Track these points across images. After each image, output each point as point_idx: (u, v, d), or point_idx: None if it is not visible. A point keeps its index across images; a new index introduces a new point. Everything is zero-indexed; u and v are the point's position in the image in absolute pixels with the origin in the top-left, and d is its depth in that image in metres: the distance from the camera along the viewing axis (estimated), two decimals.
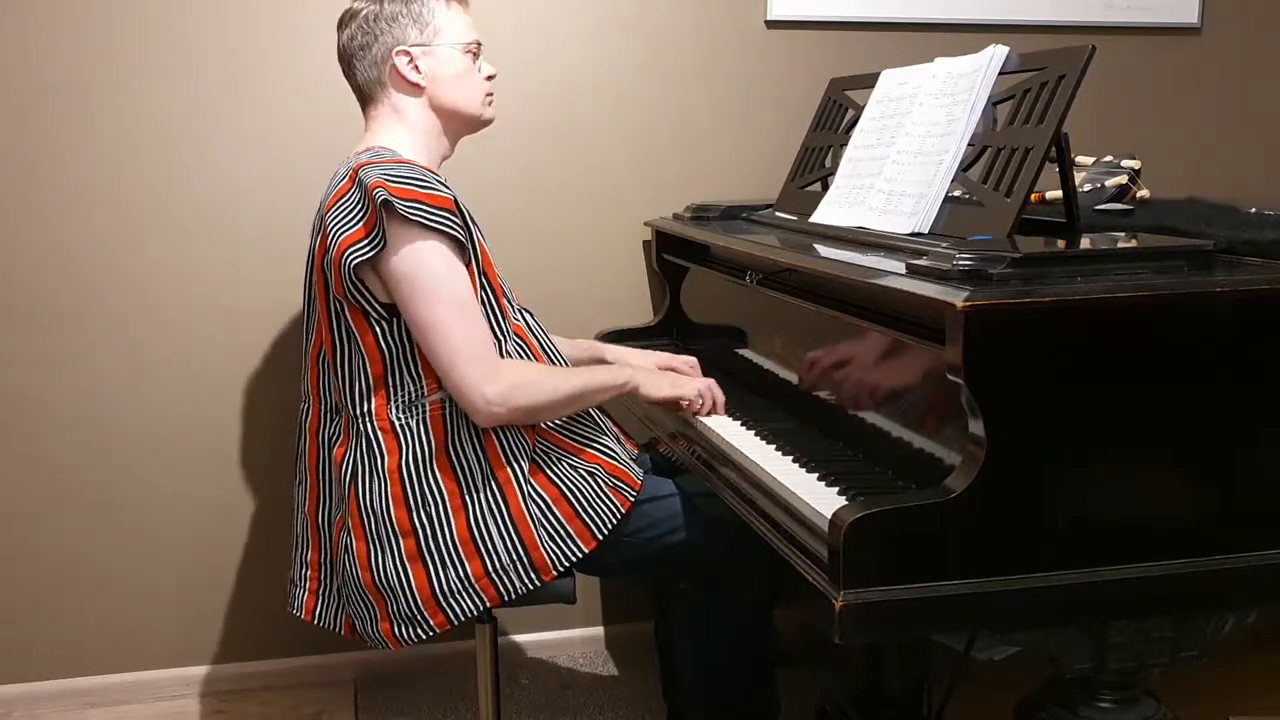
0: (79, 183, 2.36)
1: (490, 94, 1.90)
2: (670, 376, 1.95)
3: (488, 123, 1.91)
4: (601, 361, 2.08)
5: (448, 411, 1.73)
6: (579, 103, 2.55)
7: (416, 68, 1.81)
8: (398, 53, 1.80)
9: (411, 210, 1.64)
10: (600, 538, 1.77)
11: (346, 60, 1.84)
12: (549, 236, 2.57)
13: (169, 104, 2.37)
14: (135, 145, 2.37)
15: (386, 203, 1.63)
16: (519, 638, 2.67)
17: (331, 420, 1.81)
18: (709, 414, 1.91)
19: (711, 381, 1.95)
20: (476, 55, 1.88)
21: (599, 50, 2.54)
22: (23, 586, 2.45)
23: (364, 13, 1.81)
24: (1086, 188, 2.01)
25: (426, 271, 1.66)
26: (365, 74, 1.83)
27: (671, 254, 2.49)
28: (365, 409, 1.74)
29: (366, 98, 1.85)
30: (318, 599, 1.87)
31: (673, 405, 1.93)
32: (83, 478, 2.45)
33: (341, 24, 1.85)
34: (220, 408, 2.48)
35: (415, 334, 1.70)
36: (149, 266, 2.41)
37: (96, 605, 2.48)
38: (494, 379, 1.69)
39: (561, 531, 1.76)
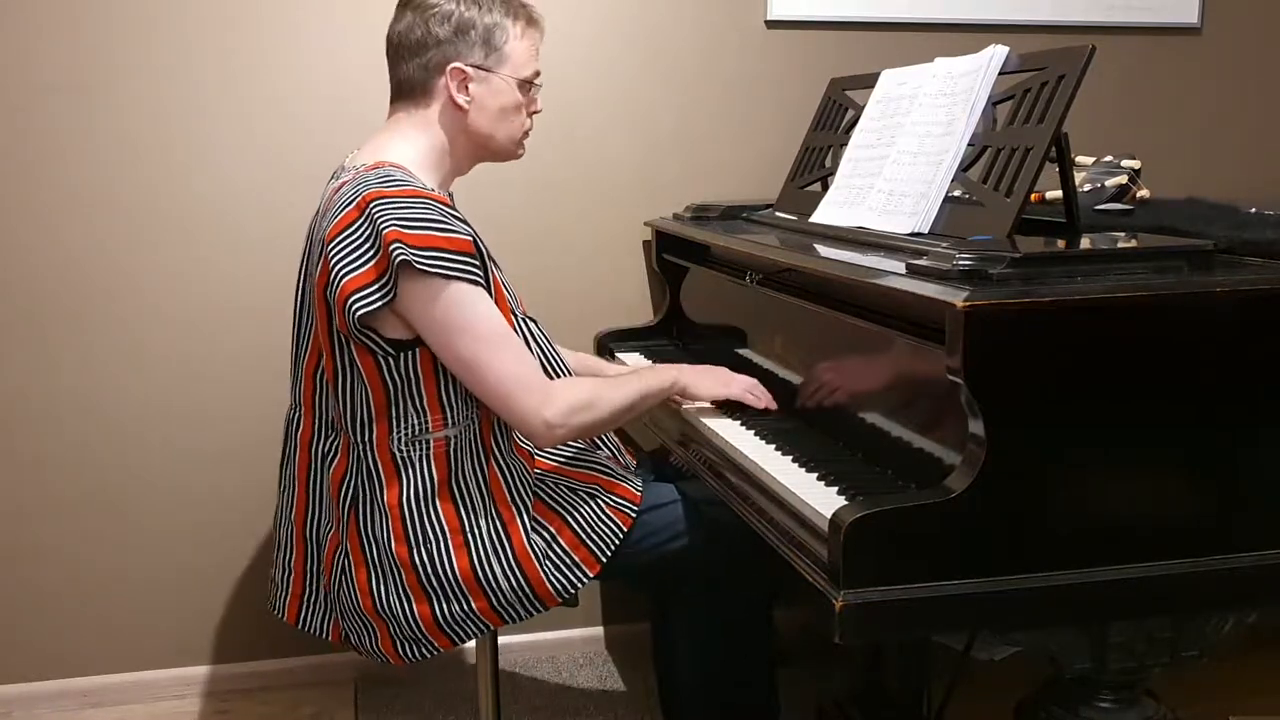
0: (79, 183, 2.37)
1: (528, 131, 1.82)
2: (719, 375, 1.91)
3: (516, 158, 1.84)
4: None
5: (452, 448, 1.69)
6: (579, 103, 2.55)
7: (466, 89, 1.72)
8: (453, 70, 1.70)
9: (432, 263, 1.57)
10: (604, 560, 1.76)
11: (396, 48, 1.73)
12: (549, 236, 2.57)
13: (169, 104, 2.37)
14: (135, 145, 2.37)
15: (404, 263, 1.56)
16: (519, 638, 2.67)
17: (327, 436, 1.76)
18: (763, 408, 1.89)
19: (755, 381, 1.92)
20: (530, 90, 1.79)
21: (599, 50, 2.54)
22: (23, 586, 2.45)
23: (434, 9, 1.69)
24: (1086, 188, 2.01)
25: (459, 314, 1.60)
26: (410, 74, 1.72)
27: (671, 254, 2.49)
28: (367, 437, 1.69)
29: (401, 95, 1.76)
30: (301, 603, 1.84)
31: (724, 403, 1.90)
32: (83, 478, 2.45)
33: (404, 5, 1.73)
34: (221, 407, 2.48)
35: (459, 374, 1.65)
36: (149, 266, 2.41)
37: (96, 605, 2.48)
38: (551, 403, 1.64)
39: (566, 560, 1.74)
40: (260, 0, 2.38)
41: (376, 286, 1.58)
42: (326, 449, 1.76)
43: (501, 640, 2.51)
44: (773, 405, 1.89)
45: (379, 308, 1.59)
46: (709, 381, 1.90)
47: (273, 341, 2.43)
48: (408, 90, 1.75)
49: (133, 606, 2.50)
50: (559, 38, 2.51)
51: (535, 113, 1.83)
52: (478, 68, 1.72)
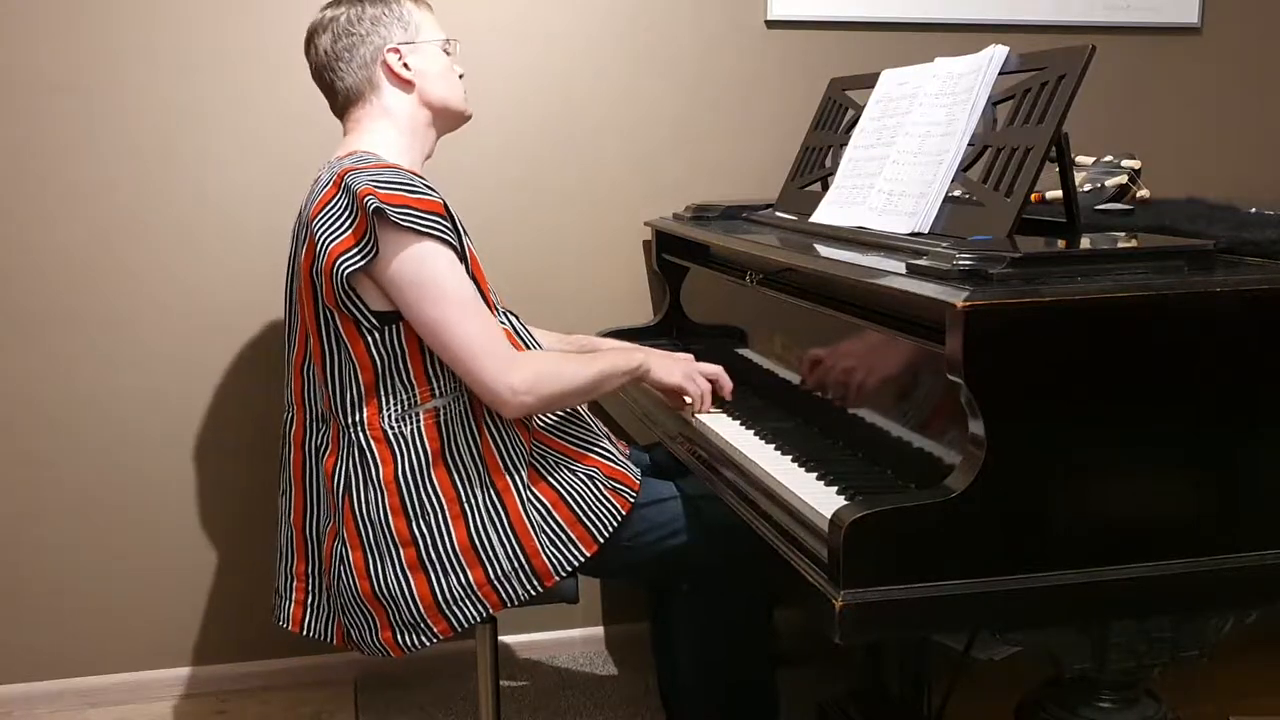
0: (79, 182, 2.37)
1: (466, 90, 1.92)
2: (683, 364, 1.94)
3: (469, 118, 1.93)
4: None
5: (443, 419, 1.72)
6: (579, 102, 2.55)
7: (407, 65, 1.81)
8: (389, 50, 1.80)
9: (404, 216, 1.63)
10: (601, 541, 1.77)
11: (328, 68, 1.82)
12: (549, 236, 2.57)
13: (170, 103, 2.37)
14: (136, 144, 2.37)
15: (378, 210, 1.61)
16: (519, 637, 2.67)
17: (318, 430, 1.79)
18: (709, 407, 1.91)
19: (720, 371, 1.94)
20: (449, 53, 1.89)
21: (599, 50, 2.54)
22: (23, 586, 2.45)
23: (342, 19, 1.80)
24: (1086, 188, 2.01)
25: (429, 274, 1.65)
26: (353, 77, 1.81)
27: (671, 254, 2.49)
28: (357, 418, 1.72)
29: (351, 102, 1.84)
30: (305, 609, 1.85)
31: (679, 393, 1.92)
32: (82, 477, 2.45)
33: (314, 34, 1.83)
34: (221, 407, 2.48)
35: (427, 337, 1.68)
36: (150, 265, 2.41)
37: (96, 605, 2.48)
38: (516, 369, 1.69)
39: (563, 536, 1.75)
40: (262, 0, 2.38)
41: (359, 246, 1.64)
42: (319, 443, 1.79)
43: (501, 640, 2.51)
44: (727, 396, 1.93)
45: (366, 263, 1.63)
46: (671, 367, 1.92)
47: (274, 341, 2.43)
48: (355, 95, 1.84)
49: (133, 606, 2.50)
50: (559, 38, 2.52)
51: (460, 75, 1.91)
52: (406, 43, 1.82)
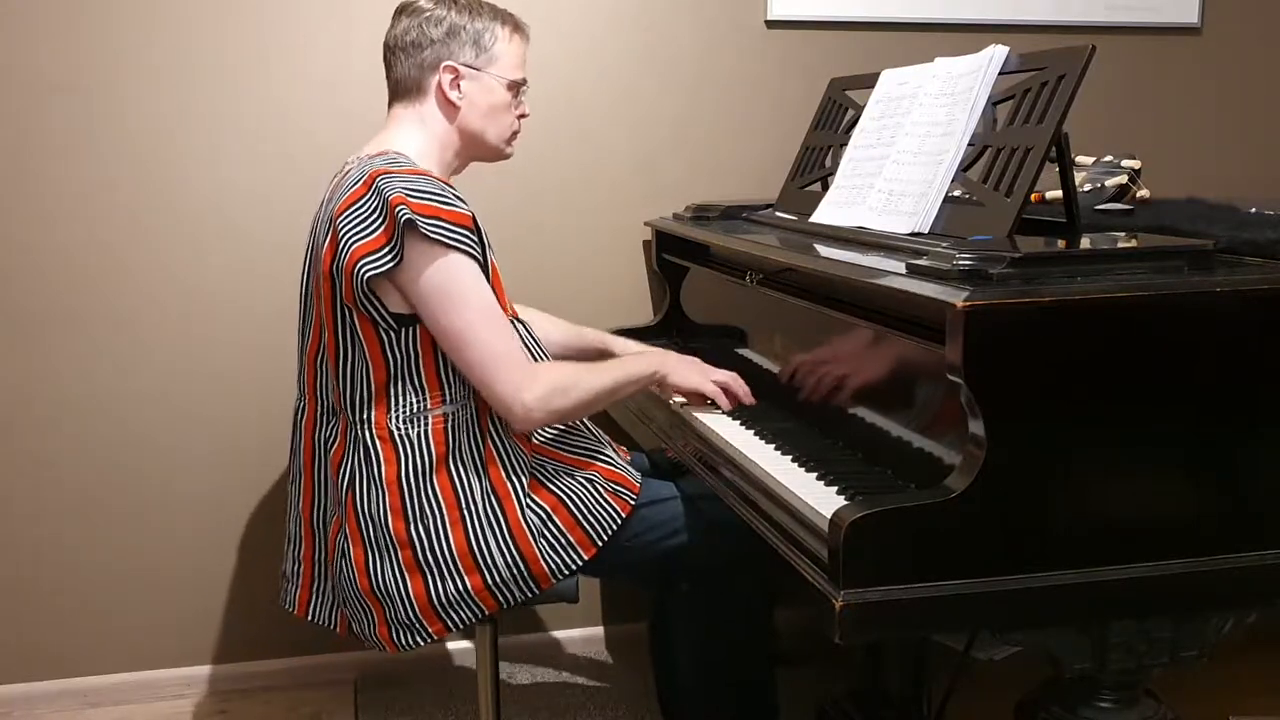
0: (80, 182, 2.37)
1: (517, 133, 1.89)
2: (699, 366, 1.96)
3: (507, 157, 1.91)
4: (606, 353, 2.10)
5: (450, 425, 1.72)
6: (579, 103, 2.55)
7: (458, 86, 1.80)
8: (445, 67, 1.79)
9: (434, 229, 1.63)
10: (600, 544, 1.77)
11: (391, 52, 1.82)
12: (549, 236, 2.57)
13: (171, 103, 2.37)
14: (137, 145, 2.37)
15: (410, 222, 1.62)
16: (519, 638, 2.67)
17: (328, 421, 1.80)
18: (746, 398, 1.92)
19: (735, 375, 1.95)
20: (518, 93, 1.87)
21: (599, 50, 2.54)
22: (23, 586, 2.45)
23: (425, 14, 1.79)
24: (1086, 188, 2.01)
25: (454, 285, 1.66)
26: (406, 72, 1.80)
27: (671, 254, 2.49)
28: (365, 416, 1.73)
29: (397, 95, 1.84)
30: (311, 594, 1.86)
31: (697, 397, 1.94)
32: (83, 478, 2.45)
33: (400, 12, 1.82)
34: (221, 407, 2.48)
35: (447, 346, 1.69)
36: (150, 265, 2.41)
37: (96, 605, 2.48)
38: (531, 385, 1.69)
39: (562, 540, 1.75)
40: (261, 1, 2.38)
41: (386, 249, 1.64)
42: (328, 434, 1.80)
43: (501, 640, 2.50)
44: (749, 401, 1.93)
45: (389, 268, 1.64)
46: (688, 371, 1.94)
47: (274, 340, 2.43)
48: (404, 90, 1.83)
49: (133, 606, 2.50)
50: (560, 37, 2.52)
51: (523, 116, 1.90)
52: (469, 66, 1.80)
